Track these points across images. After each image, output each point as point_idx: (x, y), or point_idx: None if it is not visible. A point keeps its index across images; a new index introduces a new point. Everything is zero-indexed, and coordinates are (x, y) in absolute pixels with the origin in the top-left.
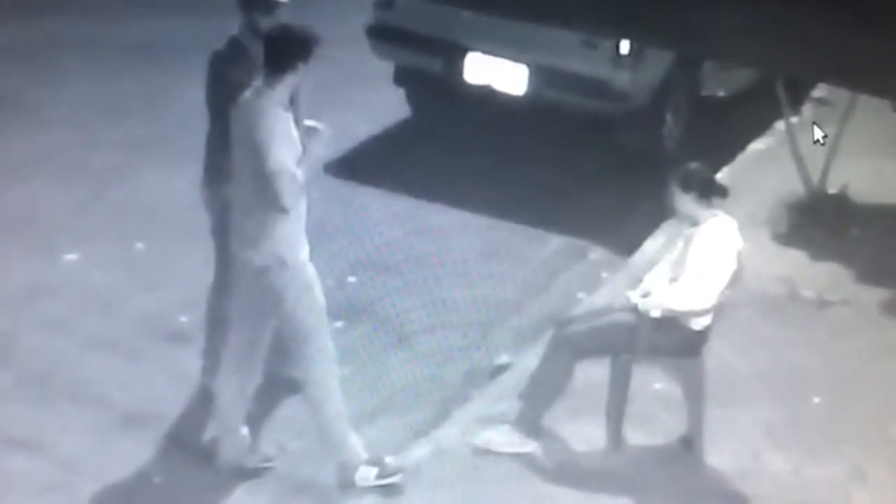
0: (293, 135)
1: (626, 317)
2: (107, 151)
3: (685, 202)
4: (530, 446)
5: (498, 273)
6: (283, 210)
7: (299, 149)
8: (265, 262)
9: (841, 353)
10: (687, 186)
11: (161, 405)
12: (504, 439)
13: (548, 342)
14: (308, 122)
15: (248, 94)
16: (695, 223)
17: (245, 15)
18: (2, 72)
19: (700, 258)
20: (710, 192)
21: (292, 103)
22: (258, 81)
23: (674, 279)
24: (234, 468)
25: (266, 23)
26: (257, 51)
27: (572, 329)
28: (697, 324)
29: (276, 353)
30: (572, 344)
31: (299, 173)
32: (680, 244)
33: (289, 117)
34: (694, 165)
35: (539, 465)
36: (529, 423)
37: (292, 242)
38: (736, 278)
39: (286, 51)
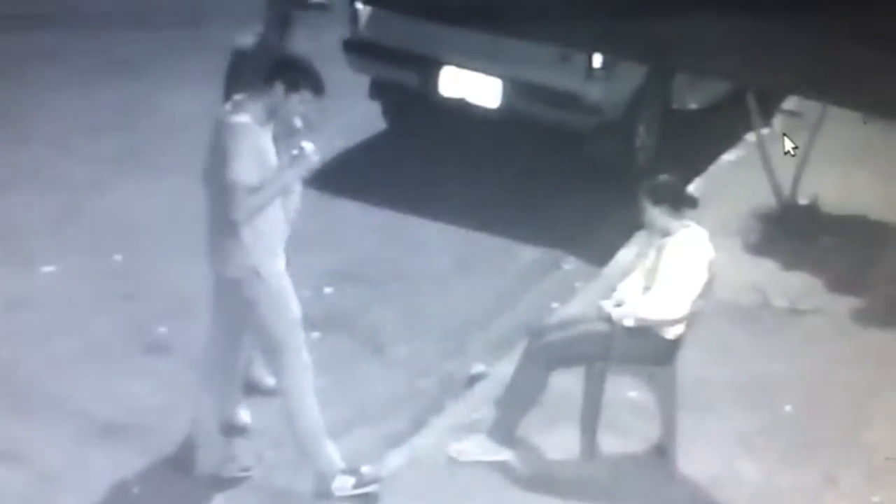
0: (264, 151)
1: (600, 326)
2: (85, 164)
3: (656, 214)
4: (505, 455)
5: (473, 283)
6: (232, 222)
7: (270, 165)
8: (238, 273)
9: (812, 362)
10: (658, 199)
11: (139, 416)
12: (479, 448)
13: (522, 352)
14: (303, 143)
15: (228, 106)
16: (666, 234)
17: (271, 9)
18: None
19: (672, 268)
20: (680, 203)
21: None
22: (240, 96)
23: (646, 288)
24: (211, 477)
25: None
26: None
27: (546, 339)
28: (670, 332)
29: (252, 362)
30: (546, 353)
31: (265, 191)
32: (652, 254)
33: (262, 133)
34: (664, 177)
35: (514, 474)
36: (504, 431)
37: (266, 254)
38: (708, 288)
39: (274, 68)
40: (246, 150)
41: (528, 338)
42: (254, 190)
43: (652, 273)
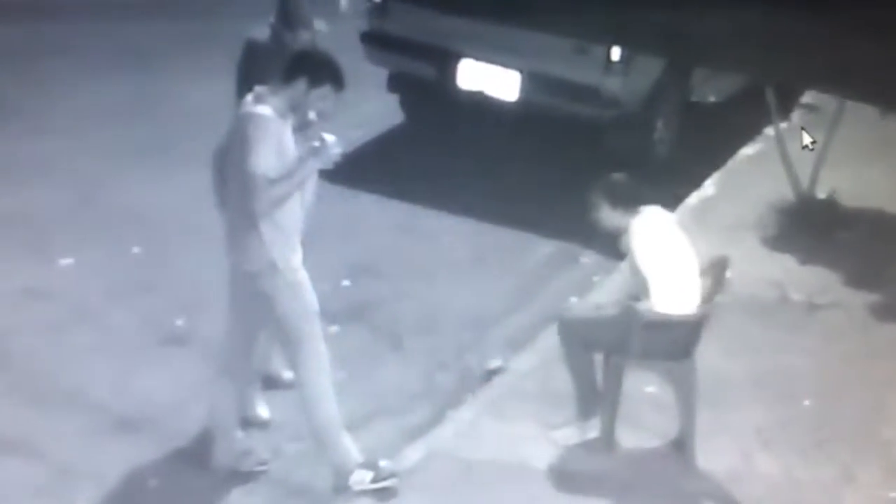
0: (285, 144)
1: (622, 316)
2: (101, 156)
3: (613, 216)
4: (591, 433)
5: (490, 277)
6: (252, 214)
7: (290, 158)
8: (256, 266)
9: (831, 356)
10: (615, 202)
11: (156, 409)
12: (579, 431)
13: (559, 339)
14: (324, 135)
15: (249, 97)
16: (618, 232)
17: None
18: None
19: (650, 258)
20: (638, 202)
21: (309, 117)
22: (261, 88)
23: (633, 285)
24: (229, 471)
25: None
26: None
27: (573, 317)
28: (688, 326)
29: (270, 356)
30: (573, 332)
31: (286, 182)
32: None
33: (283, 126)
34: (618, 177)
35: (532, 468)
36: (586, 412)
37: (284, 247)
38: (724, 281)
39: (295, 62)
40: (267, 143)
41: (558, 324)
42: (274, 182)
43: (634, 271)
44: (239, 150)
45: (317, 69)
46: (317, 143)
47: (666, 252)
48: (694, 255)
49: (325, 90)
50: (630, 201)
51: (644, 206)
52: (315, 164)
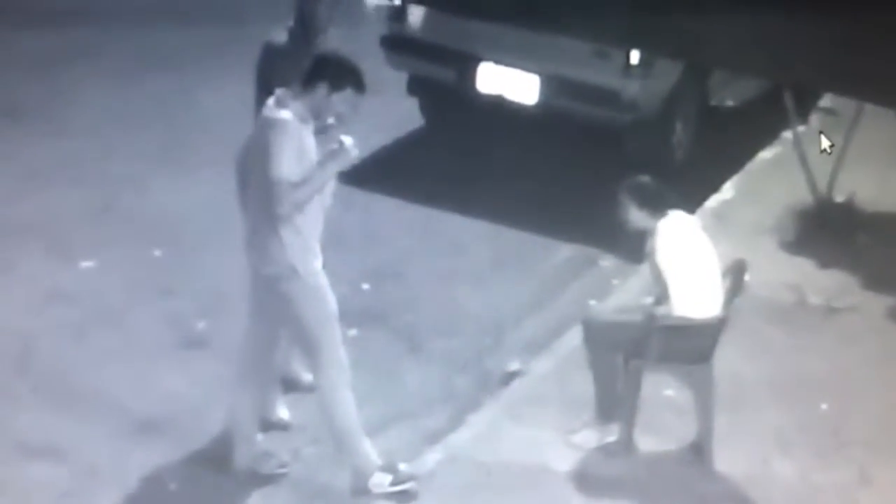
0: (307, 148)
1: (642, 320)
2: (123, 159)
3: (639, 217)
4: (610, 436)
5: (509, 281)
6: (277, 217)
7: (311, 162)
8: (276, 270)
9: (848, 360)
10: (642, 202)
11: (177, 411)
12: (597, 435)
13: (583, 342)
14: (341, 137)
15: (270, 102)
16: (646, 233)
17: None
18: (19, 82)
19: (673, 261)
20: (664, 205)
21: (327, 121)
22: (282, 92)
23: (656, 288)
24: (249, 474)
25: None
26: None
27: (597, 319)
28: (707, 329)
29: (290, 359)
30: (597, 333)
31: (308, 186)
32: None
33: (305, 130)
34: (645, 179)
35: (551, 471)
36: (605, 415)
37: (304, 251)
38: (742, 285)
39: (316, 67)
40: (289, 147)
41: (582, 326)
42: (297, 186)
43: (657, 275)
44: (260, 155)
45: (338, 74)
46: (335, 146)
47: (689, 257)
48: (717, 261)
49: (347, 94)
50: (657, 203)
51: (671, 208)
52: (334, 167)
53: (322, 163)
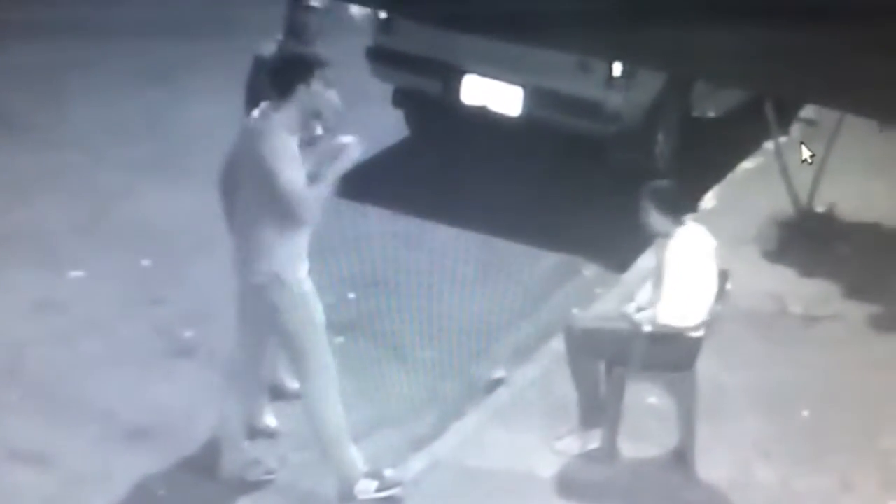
0: (298, 156)
1: (625, 328)
2: (114, 170)
3: (659, 220)
4: (594, 443)
5: (494, 289)
6: (304, 224)
7: (305, 168)
8: (263, 279)
9: (829, 368)
10: (662, 205)
11: (165, 419)
12: (580, 442)
13: (566, 349)
14: (342, 138)
15: (255, 114)
16: (667, 236)
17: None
18: (8, 92)
19: (676, 270)
20: (683, 210)
21: (313, 121)
22: (265, 105)
23: (656, 292)
24: (236, 481)
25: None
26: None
27: (579, 326)
28: (689, 338)
29: (277, 366)
30: (579, 340)
31: (319, 189)
32: (656, 259)
33: (294, 140)
34: (666, 183)
35: (536, 477)
36: (589, 422)
37: (291, 260)
38: (724, 294)
39: (284, 75)
40: (288, 158)
41: (564, 333)
42: (311, 189)
43: (658, 277)
44: (252, 167)
45: (300, 68)
46: (340, 143)
47: (694, 271)
48: (715, 281)
49: (319, 83)
50: (677, 209)
51: (689, 213)
52: (342, 165)
53: (331, 161)
